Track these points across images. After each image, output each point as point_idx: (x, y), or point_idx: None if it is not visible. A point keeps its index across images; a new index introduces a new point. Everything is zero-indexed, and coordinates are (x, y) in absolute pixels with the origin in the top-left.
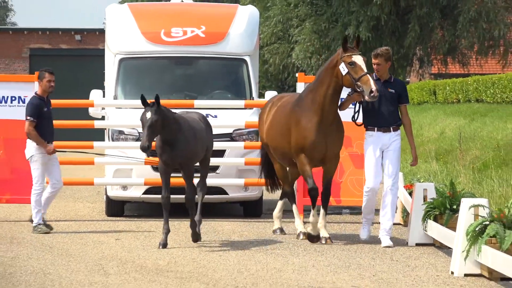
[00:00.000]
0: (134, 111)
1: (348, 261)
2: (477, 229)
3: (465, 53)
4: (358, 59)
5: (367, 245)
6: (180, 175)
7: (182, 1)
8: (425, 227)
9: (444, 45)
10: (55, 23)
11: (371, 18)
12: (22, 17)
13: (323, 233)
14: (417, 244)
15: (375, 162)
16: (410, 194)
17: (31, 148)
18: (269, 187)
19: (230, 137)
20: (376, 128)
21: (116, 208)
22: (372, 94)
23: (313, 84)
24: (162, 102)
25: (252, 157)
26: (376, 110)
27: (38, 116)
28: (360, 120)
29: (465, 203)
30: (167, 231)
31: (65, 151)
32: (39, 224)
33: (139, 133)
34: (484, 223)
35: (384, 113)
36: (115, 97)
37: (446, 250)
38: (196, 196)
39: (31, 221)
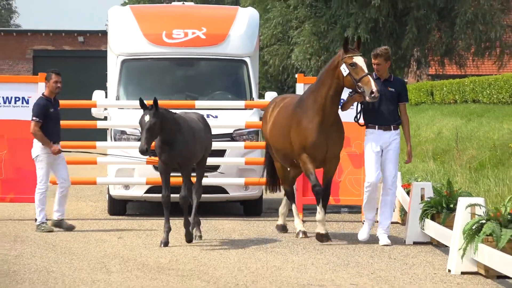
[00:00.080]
0: (136, 111)
1: (346, 259)
2: (473, 227)
3: (462, 55)
4: (359, 60)
5: (366, 244)
6: (180, 174)
7: (183, 4)
8: (423, 225)
9: (441, 47)
10: (58, 25)
11: (369, 20)
12: (26, 19)
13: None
14: (415, 243)
15: (375, 158)
16: (408, 193)
17: (37, 148)
18: (270, 187)
19: (230, 137)
20: (377, 126)
21: (119, 207)
22: (372, 95)
23: (315, 85)
24: (164, 103)
25: (252, 157)
26: (377, 109)
27: (44, 116)
28: (362, 120)
29: (462, 202)
30: (168, 230)
31: (70, 151)
32: (42, 222)
33: (140, 133)
34: (480, 221)
35: (384, 112)
36: (117, 98)
37: (443, 248)
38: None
39: (62, 223)
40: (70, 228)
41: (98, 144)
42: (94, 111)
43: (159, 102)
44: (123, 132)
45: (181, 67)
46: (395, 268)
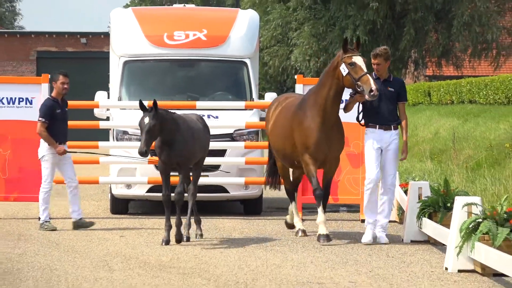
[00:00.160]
0: (137, 112)
1: (345, 258)
2: (470, 226)
3: (458, 56)
4: (358, 60)
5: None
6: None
7: (185, 6)
8: (420, 224)
9: (438, 48)
10: (62, 27)
11: (367, 22)
12: (29, 21)
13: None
14: (412, 241)
15: (376, 155)
16: (406, 192)
17: (43, 148)
18: (270, 186)
19: (231, 137)
20: (377, 126)
21: (121, 206)
22: (372, 93)
23: (316, 87)
24: (165, 103)
25: (252, 157)
26: (377, 108)
27: (50, 117)
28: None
29: (459, 201)
30: (169, 228)
31: (75, 152)
32: (46, 221)
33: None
34: (477, 220)
35: (384, 112)
36: (120, 99)
37: (441, 246)
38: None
39: (82, 222)
40: (91, 225)
41: (101, 144)
42: (97, 112)
43: (161, 102)
44: (125, 132)
45: (182, 68)
46: (393, 266)
